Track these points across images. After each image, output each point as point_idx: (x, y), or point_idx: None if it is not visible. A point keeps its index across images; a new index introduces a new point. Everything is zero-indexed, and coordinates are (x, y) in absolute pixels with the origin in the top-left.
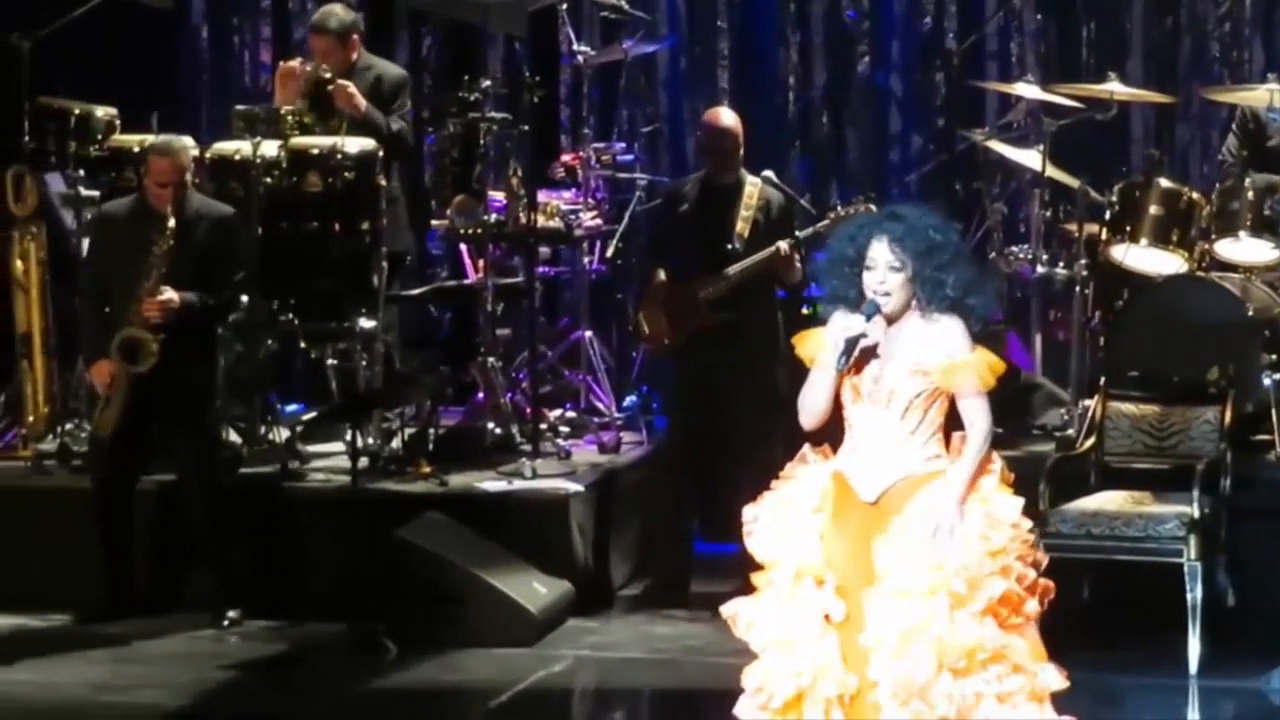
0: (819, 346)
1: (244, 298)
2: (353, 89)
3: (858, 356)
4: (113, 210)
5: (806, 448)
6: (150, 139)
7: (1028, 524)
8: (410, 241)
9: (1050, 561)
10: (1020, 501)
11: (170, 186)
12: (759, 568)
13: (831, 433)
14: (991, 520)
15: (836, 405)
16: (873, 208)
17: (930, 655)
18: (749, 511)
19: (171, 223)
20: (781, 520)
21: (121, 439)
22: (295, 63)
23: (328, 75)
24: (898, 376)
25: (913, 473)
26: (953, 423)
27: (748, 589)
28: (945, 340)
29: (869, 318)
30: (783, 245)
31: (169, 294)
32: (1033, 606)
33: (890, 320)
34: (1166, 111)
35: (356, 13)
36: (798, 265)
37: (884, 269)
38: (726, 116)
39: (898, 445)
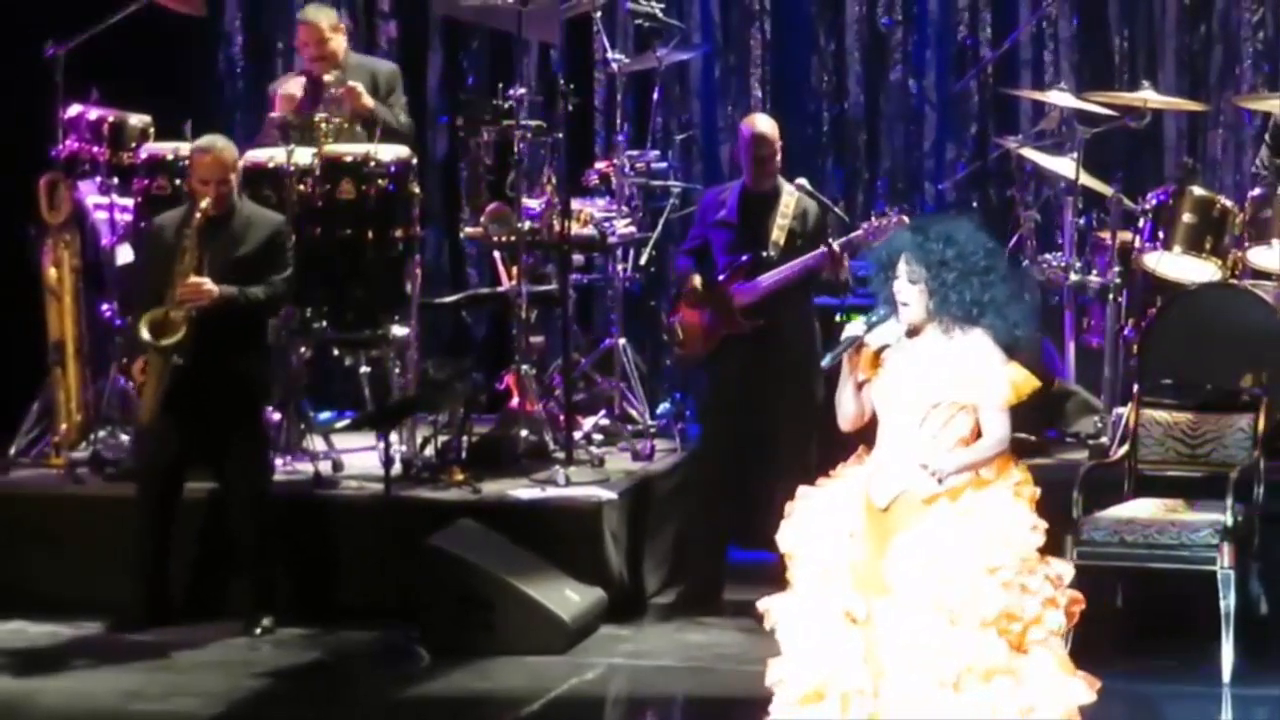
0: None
1: (291, 294)
2: (360, 88)
3: (882, 362)
4: (164, 221)
5: (862, 448)
6: (183, 146)
7: (1038, 539)
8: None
9: (1083, 569)
10: (1030, 518)
11: (212, 184)
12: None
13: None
14: (993, 536)
15: None
16: (905, 218)
17: (927, 672)
18: (790, 505)
19: (204, 203)
20: (815, 516)
21: (168, 439)
22: (294, 83)
23: (336, 77)
24: (914, 386)
25: (922, 489)
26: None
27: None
28: (967, 354)
29: (870, 325)
30: (835, 244)
31: (204, 279)
32: (1056, 620)
33: (913, 331)
34: (1199, 119)
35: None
36: (847, 265)
37: (904, 280)
38: (763, 123)
39: (915, 454)
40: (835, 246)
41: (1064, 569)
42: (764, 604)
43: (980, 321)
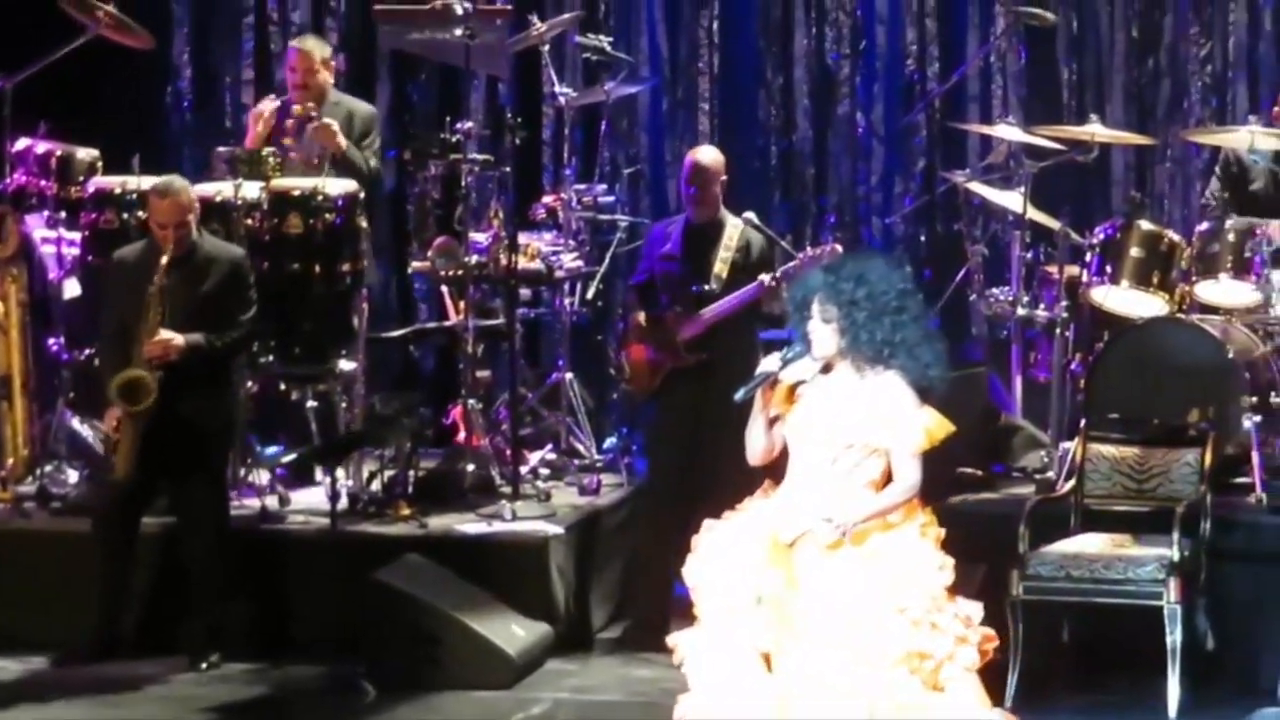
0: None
1: (257, 332)
2: (335, 127)
3: (797, 398)
4: (125, 255)
5: (768, 483)
6: (131, 180)
7: (945, 578)
8: (376, 276)
9: (1029, 604)
10: (938, 557)
11: (170, 227)
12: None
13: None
14: (900, 576)
15: None
16: (839, 248)
17: (838, 711)
18: (695, 539)
19: (164, 259)
20: (720, 550)
21: (132, 481)
22: (268, 103)
23: (313, 112)
24: (826, 423)
25: (826, 536)
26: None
27: None
28: (880, 397)
29: (785, 361)
30: (765, 278)
31: (170, 334)
32: (969, 657)
33: (828, 368)
34: (1147, 153)
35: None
36: (785, 298)
37: (817, 319)
38: (704, 154)
39: (823, 491)
40: (769, 278)
41: (973, 608)
42: (673, 639)
43: (891, 362)
